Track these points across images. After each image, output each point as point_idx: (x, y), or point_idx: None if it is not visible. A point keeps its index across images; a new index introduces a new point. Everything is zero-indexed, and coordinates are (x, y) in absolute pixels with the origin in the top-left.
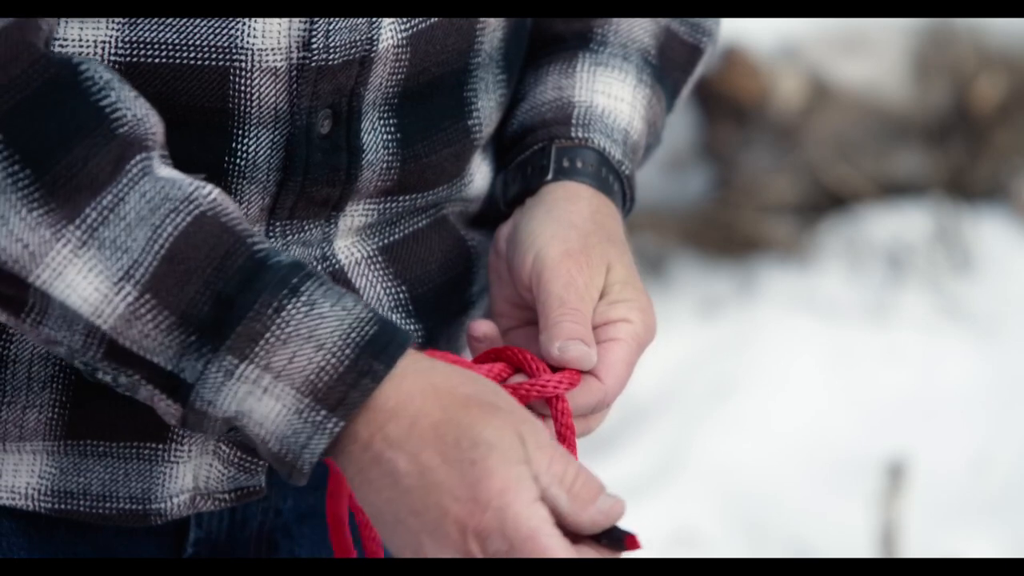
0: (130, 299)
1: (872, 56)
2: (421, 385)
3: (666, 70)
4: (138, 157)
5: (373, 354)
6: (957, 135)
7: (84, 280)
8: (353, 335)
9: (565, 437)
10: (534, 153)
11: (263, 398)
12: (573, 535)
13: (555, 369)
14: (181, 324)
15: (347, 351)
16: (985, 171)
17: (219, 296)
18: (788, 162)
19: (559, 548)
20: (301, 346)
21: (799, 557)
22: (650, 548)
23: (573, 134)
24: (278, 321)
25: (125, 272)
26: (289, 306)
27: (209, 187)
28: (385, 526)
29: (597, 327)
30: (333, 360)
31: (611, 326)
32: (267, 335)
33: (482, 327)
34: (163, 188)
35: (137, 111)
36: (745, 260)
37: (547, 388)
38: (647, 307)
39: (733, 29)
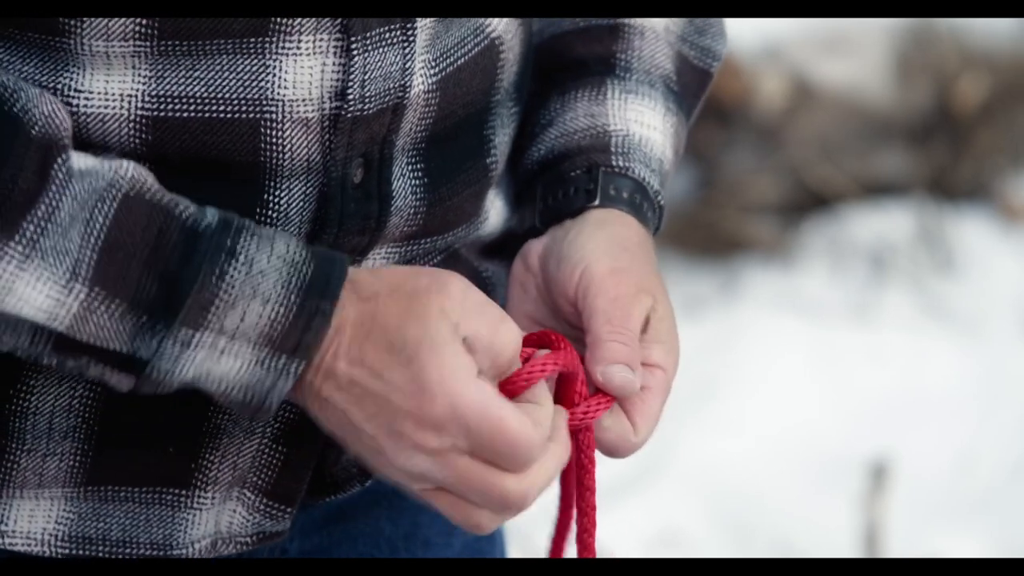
0: (81, 296)
1: (854, 56)
2: (353, 302)
3: (684, 96)
4: (60, 160)
5: (318, 294)
6: (939, 135)
7: (34, 291)
8: (294, 282)
9: (587, 469)
10: (576, 177)
11: (221, 359)
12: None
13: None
14: (132, 309)
15: (292, 298)
16: (967, 171)
17: (163, 275)
18: (771, 162)
19: (511, 416)
20: (249, 304)
21: (783, 557)
22: (634, 549)
23: (614, 162)
24: (223, 286)
25: (72, 273)
26: (231, 269)
27: (125, 164)
28: (348, 439)
29: None
30: (282, 310)
31: (647, 371)
32: (216, 301)
33: None
34: (88, 183)
35: (44, 107)
36: (728, 260)
37: (588, 415)
38: (677, 352)
39: None
